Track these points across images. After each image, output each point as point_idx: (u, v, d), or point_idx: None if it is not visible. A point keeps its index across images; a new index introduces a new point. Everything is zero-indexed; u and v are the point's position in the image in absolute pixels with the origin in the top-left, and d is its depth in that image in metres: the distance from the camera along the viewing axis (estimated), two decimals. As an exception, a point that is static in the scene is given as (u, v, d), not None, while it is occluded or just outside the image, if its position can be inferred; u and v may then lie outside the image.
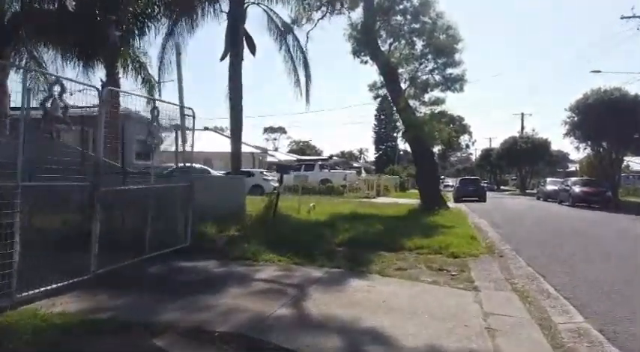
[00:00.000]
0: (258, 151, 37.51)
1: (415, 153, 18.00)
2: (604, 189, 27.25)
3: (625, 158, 32.55)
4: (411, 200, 22.83)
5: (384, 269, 7.16)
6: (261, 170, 27.13)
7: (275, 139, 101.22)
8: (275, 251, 7.59)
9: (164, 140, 7.03)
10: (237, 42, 12.67)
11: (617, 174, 30.35)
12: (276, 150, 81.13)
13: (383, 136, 79.16)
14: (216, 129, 45.79)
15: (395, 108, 17.42)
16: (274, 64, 63.27)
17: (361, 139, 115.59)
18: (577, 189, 27.02)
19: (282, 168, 11.88)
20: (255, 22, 14.75)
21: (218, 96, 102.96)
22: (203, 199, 10.81)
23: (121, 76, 13.86)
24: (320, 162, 33.86)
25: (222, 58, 12.87)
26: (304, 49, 15.45)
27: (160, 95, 14.70)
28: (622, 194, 31.71)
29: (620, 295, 6.07)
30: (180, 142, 7.53)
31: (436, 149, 65.75)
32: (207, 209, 10.21)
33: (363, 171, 39.73)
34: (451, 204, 25.30)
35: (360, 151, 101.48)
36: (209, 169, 19.68)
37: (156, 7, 13.94)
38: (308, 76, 15.06)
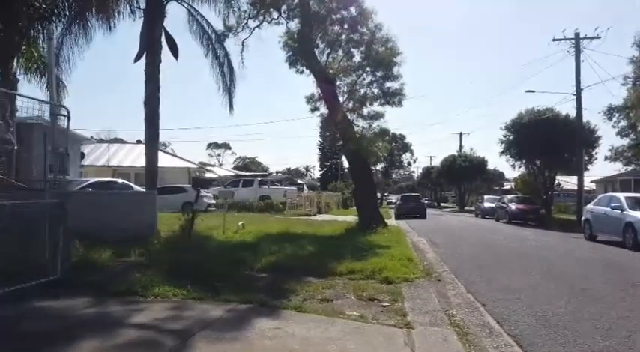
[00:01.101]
0: (194, 166, 35.63)
1: (353, 169, 17.22)
2: (538, 207, 27.79)
3: (557, 176, 33.61)
4: (350, 217, 22.00)
5: (305, 302, 6.07)
6: (192, 185, 25.43)
7: (219, 155, 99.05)
8: (176, 281, 6.30)
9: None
10: (154, 42, 11.36)
11: (549, 192, 31.17)
12: (220, 165, 78.96)
13: (328, 153, 78.84)
14: (160, 145, 43.50)
15: (333, 122, 16.59)
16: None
17: (308, 156, 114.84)
18: (513, 206, 27.36)
19: (198, 183, 10.47)
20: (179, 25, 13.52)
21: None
22: (102, 218, 9.37)
23: (21, 77, 12.07)
24: (259, 178, 32.53)
25: (137, 59, 11.50)
26: (227, 53, 14.32)
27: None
28: (554, 211, 32.63)
29: (571, 330, 5.29)
30: (49, 148, 6.01)
31: (379, 166, 66.61)
32: (107, 230, 8.78)
33: (305, 188, 38.71)
34: (393, 221, 24.83)
35: (306, 168, 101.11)
36: (131, 185, 17.85)
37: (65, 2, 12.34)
38: (232, 81, 13.92)
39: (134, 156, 34.85)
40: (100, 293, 5.54)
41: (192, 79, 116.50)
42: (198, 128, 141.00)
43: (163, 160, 35.18)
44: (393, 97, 17.17)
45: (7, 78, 11.77)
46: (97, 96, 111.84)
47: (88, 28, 12.12)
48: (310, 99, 17.51)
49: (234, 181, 32.49)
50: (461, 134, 60.81)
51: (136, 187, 18.27)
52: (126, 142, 39.04)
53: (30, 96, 5.93)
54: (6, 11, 10.85)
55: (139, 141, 39.32)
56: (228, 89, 13.82)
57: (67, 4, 11.94)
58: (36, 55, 12.60)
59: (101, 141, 39.75)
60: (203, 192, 24.91)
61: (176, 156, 41.11)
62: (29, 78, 12.53)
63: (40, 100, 6.04)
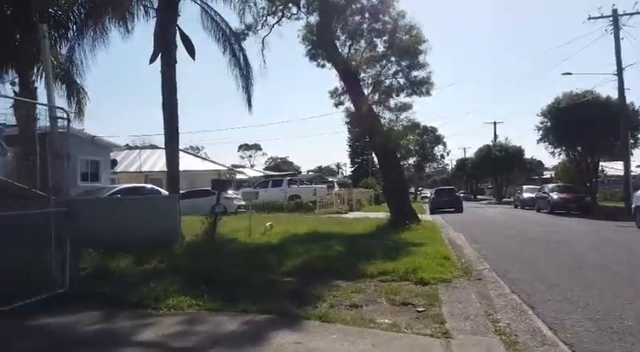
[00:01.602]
0: (225, 168, 35.62)
1: (382, 164, 16.53)
2: (582, 195, 26.30)
3: (600, 162, 31.81)
4: (382, 214, 21.30)
5: (331, 310, 5.54)
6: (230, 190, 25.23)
7: (250, 157, 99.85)
8: (192, 290, 5.88)
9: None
10: (168, 41, 11.06)
11: (593, 179, 29.53)
12: (251, 167, 79.51)
13: (358, 149, 78.08)
14: (192, 149, 43.91)
15: (358, 115, 15.97)
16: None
17: (339, 154, 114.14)
18: (555, 196, 25.98)
19: (217, 184, 10.06)
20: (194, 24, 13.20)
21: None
22: (122, 225, 9.11)
23: (38, 85, 12.01)
24: (288, 178, 32.15)
25: (152, 60, 11.24)
26: (244, 49, 13.89)
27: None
28: (599, 199, 30.90)
29: (638, 336, 4.54)
30: (52, 152, 5.66)
31: (411, 160, 65.30)
32: (128, 236, 8.49)
33: (335, 186, 38.13)
34: (427, 216, 23.97)
35: (338, 166, 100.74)
36: (160, 189, 17.76)
37: (82, 8, 12.24)
38: (248, 78, 13.45)
39: (163, 162, 35.18)
40: (110, 306, 5.16)
41: (216, 81, 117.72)
42: (227, 129, 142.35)
43: (194, 164, 35.56)
44: (420, 87, 16.42)
45: (27, 87, 11.77)
46: (133, 104, 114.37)
47: (104, 32, 11.99)
48: (334, 93, 16.97)
49: (264, 182, 32.23)
50: (495, 123, 59.03)
51: (165, 192, 18.21)
52: (158, 148, 39.49)
53: (25, 99, 5.60)
54: (21, 21, 10.81)
55: (168, 147, 39.77)
56: (246, 87, 13.44)
57: (82, 10, 11.85)
58: (55, 63, 12.53)
59: (136, 147, 40.29)
60: (233, 194, 24.74)
61: (206, 159, 41.35)
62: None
63: (38, 103, 5.72)
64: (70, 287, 5.30)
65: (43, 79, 12.34)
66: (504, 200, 51.41)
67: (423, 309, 5.71)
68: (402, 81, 16.48)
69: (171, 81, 11.07)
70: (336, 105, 17.04)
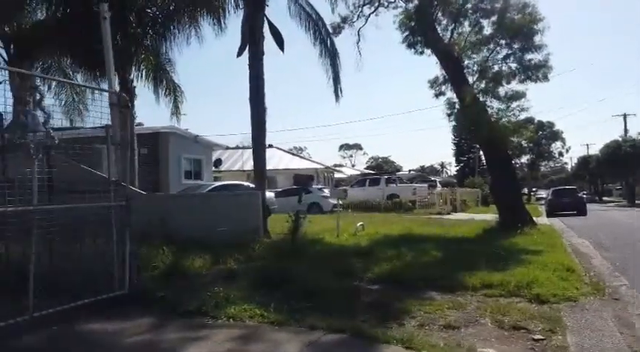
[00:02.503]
0: (322, 167, 35.47)
1: (489, 160, 14.80)
2: None
3: None
4: (490, 216, 19.31)
5: (420, 330, 4.53)
6: (320, 186, 24.94)
7: (351, 156, 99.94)
8: (260, 297, 5.24)
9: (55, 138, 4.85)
10: (255, 33, 10.70)
11: None
12: (352, 166, 79.45)
13: (463, 147, 74.11)
14: (296, 150, 44.79)
15: (461, 106, 14.41)
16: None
17: (444, 152, 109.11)
18: None
19: (300, 181, 9.29)
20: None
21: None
22: (203, 222, 8.85)
23: (136, 84, 12.40)
24: (386, 176, 30.96)
25: (240, 53, 10.95)
26: (330, 34, 13.08)
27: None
28: None
29: None
30: (114, 145, 5.18)
31: (524, 158, 59.99)
32: (208, 234, 8.17)
33: (438, 185, 36.07)
34: (544, 219, 21.34)
35: (442, 165, 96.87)
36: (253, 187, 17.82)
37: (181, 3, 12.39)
38: (335, 65, 12.64)
39: (266, 160, 35.99)
40: (166, 313, 4.66)
41: (312, 78, 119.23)
42: (326, 126, 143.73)
43: (293, 162, 35.97)
44: (535, 71, 14.36)
45: (125, 86, 12.18)
46: (238, 103, 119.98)
47: (198, 28, 12.04)
48: (434, 83, 15.52)
49: (361, 180, 31.41)
50: (625, 115, 51.83)
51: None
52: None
53: (77, 83, 5.34)
54: (119, 20, 11.12)
55: (270, 146, 40.76)
56: (335, 77, 12.64)
57: (181, 8, 11.98)
58: (153, 62, 12.90)
59: (237, 147, 41.85)
60: (329, 192, 24.31)
61: (305, 158, 41.69)
62: (148, 85, 12.87)
63: (94, 88, 5.44)
64: (133, 288, 4.90)
65: (142, 78, 12.82)
66: (637, 202, 44.97)
67: (540, 337, 4.46)
68: (513, 66, 14.57)
69: (258, 73, 10.70)
70: (437, 95, 15.61)
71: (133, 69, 12.15)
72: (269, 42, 11.54)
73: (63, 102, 14.51)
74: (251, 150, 39.44)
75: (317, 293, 5.68)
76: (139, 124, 21.54)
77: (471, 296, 6.16)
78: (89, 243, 4.94)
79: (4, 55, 12.58)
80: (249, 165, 34.03)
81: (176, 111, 13.21)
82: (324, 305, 5.32)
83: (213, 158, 31.60)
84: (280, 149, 39.54)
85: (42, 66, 14.10)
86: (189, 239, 8.38)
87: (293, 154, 39.59)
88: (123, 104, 4.68)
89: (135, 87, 12.20)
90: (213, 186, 16.98)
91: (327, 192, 24.41)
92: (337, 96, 13.16)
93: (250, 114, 10.99)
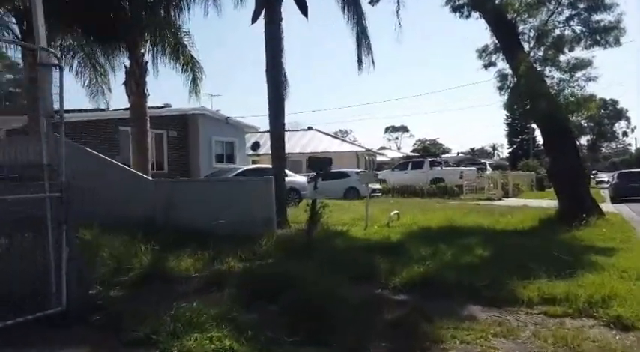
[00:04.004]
0: (362, 150, 33.88)
1: (547, 138, 12.81)
2: None
3: None
4: (547, 202, 17.28)
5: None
6: (358, 170, 23.48)
7: (397, 139, 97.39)
8: (250, 312, 4.07)
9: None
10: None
11: None
12: (398, 149, 77.29)
13: (517, 127, 70.13)
14: (341, 133, 43.36)
15: (514, 76, 12.50)
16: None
17: (495, 135, 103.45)
18: None
19: (316, 164, 7.97)
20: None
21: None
22: (209, 211, 7.79)
23: (149, 58, 11.40)
24: (430, 159, 29.01)
25: (254, 19, 9.65)
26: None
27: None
28: None
29: None
30: (44, 114, 3.99)
31: (584, 139, 55.60)
32: (214, 225, 7.09)
33: (488, 168, 33.67)
34: (608, 205, 18.98)
35: (493, 147, 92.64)
36: (287, 171, 16.65)
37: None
38: (363, 32, 11.00)
39: (304, 143, 34.84)
40: (106, 340, 3.53)
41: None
42: (370, 103, 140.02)
43: (332, 145, 34.60)
44: (605, 34, 12.24)
45: (137, 61, 11.24)
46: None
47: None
48: (483, 51, 13.61)
49: (403, 163, 29.61)
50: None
51: (292, 174, 17.10)
52: (297, 130, 39.48)
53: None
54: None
55: (309, 128, 39.47)
56: (358, 43, 10.99)
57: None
58: (170, 38, 11.85)
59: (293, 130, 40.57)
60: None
61: (344, 140, 40.20)
62: (164, 62, 11.85)
63: (19, 44, 4.25)
64: (73, 305, 3.76)
65: (157, 53, 11.77)
66: None
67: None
68: (577, 29, 12.49)
69: (275, 40, 9.40)
70: (486, 66, 13.69)
71: (149, 43, 11.12)
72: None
73: (86, 83, 13.91)
74: (290, 133, 38.45)
75: (324, 306, 4.42)
76: (167, 105, 20.90)
77: (525, 314, 4.73)
78: (18, 246, 3.86)
79: (17, 31, 11.89)
80: (288, 148, 33.14)
81: (195, 89, 12.20)
82: (328, 326, 4.08)
83: (251, 141, 30.81)
84: (319, 131, 38.24)
85: (61, 44, 13.40)
86: (193, 230, 7.39)
87: (333, 137, 38.14)
88: (50, 63, 3.54)
89: (147, 62, 11.25)
90: (240, 170, 15.98)
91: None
92: (360, 63, 11.30)
93: (267, 89, 9.73)
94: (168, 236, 6.91)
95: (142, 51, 11.19)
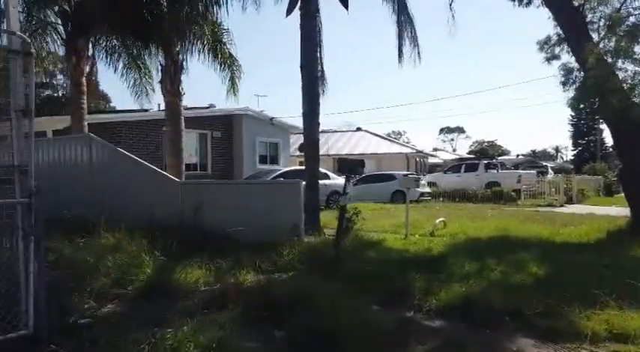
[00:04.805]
0: (413, 151, 32.67)
1: (618, 139, 11.38)
2: None
3: None
4: (616, 210, 15.61)
5: None
6: (406, 173, 22.44)
7: (452, 140, 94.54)
8: (251, 341, 3.50)
9: None
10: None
11: None
12: (454, 151, 74.92)
13: (583, 128, 65.81)
14: (394, 134, 42.35)
15: (580, 70, 11.18)
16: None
17: (558, 136, 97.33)
18: None
19: (346, 166, 7.17)
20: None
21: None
22: (232, 216, 7.31)
23: (187, 56, 11.15)
24: (486, 161, 27.35)
25: (289, 12, 9.10)
26: None
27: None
28: None
29: None
30: (16, 112, 3.55)
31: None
32: (238, 231, 6.61)
33: (550, 171, 31.45)
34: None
35: (557, 149, 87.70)
36: (328, 173, 16.04)
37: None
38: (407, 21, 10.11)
39: (353, 144, 34.17)
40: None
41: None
42: (429, 101, 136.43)
43: (381, 146, 33.69)
44: (690, 21, 10.70)
45: (172, 59, 11.01)
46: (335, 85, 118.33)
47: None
48: (546, 43, 12.30)
49: (456, 166, 28.16)
50: None
51: (334, 176, 16.48)
52: (347, 131, 38.82)
53: None
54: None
55: (358, 129, 38.67)
56: (399, 33, 10.14)
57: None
58: (208, 34, 11.55)
59: (324, 131, 40.45)
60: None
61: (393, 141, 39.05)
62: (201, 60, 11.59)
63: None
64: (41, 328, 3.25)
65: (195, 51, 11.52)
66: None
67: None
68: (657, 15, 11.00)
69: (311, 33, 8.80)
70: (548, 59, 12.34)
71: (187, 40, 10.85)
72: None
73: (131, 84, 14.01)
74: (339, 134, 37.86)
75: (341, 334, 3.76)
76: (211, 106, 20.87)
77: (592, 352, 3.84)
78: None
79: (62, 32, 12.06)
80: (335, 149, 32.61)
81: (232, 88, 11.85)
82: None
83: (298, 142, 30.52)
84: (368, 132, 37.39)
85: (106, 46, 13.53)
86: (217, 235, 7.00)
87: (382, 137, 37.12)
88: (25, 51, 3.11)
89: (183, 60, 11.01)
90: (280, 171, 15.55)
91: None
92: (400, 53, 10.42)
93: (302, 84, 9.15)
94: (188, 241, 6.49)
95: (177, 49, 10.96)
